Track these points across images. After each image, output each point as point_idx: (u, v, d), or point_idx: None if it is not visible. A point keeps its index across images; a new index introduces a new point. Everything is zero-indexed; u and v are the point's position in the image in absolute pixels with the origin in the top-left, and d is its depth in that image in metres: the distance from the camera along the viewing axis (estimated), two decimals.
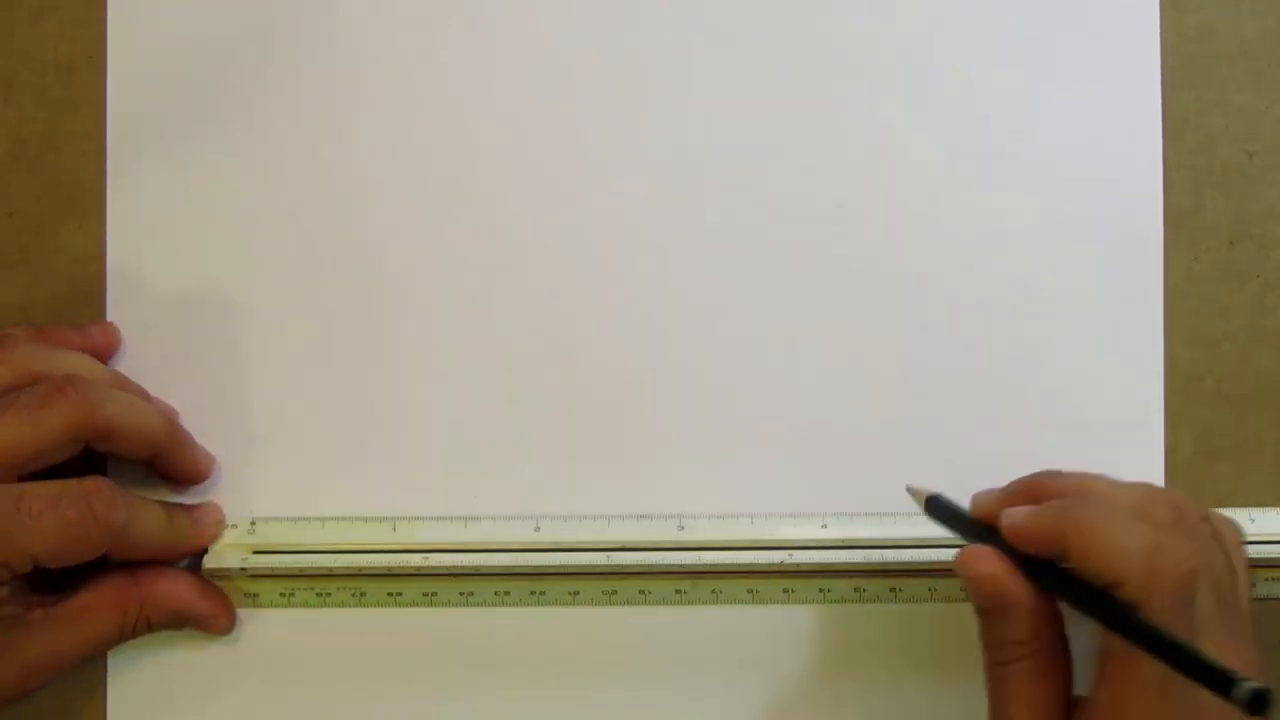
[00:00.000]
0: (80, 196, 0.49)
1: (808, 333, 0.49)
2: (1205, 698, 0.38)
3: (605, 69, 0.50)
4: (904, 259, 0.50)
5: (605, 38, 0.50)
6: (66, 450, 0.43)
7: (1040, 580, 0.42)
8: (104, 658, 0.48)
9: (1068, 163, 0.50)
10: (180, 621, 0.47)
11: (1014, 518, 0.42)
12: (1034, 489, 0.44)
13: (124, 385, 0.47)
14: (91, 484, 0.43)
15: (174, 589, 0.47)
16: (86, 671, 0.48)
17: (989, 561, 0.42)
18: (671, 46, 0.50)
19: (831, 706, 0.49)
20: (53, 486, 0.43)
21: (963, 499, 0.48)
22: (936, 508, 0.45)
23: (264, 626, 0.49)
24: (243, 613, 0.49)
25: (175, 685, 0.49)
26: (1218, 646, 0.40)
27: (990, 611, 0.42)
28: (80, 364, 0.45)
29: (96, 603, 0.45)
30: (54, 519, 0.42)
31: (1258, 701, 0.34)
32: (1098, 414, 0.49)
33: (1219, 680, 0.35)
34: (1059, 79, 0.50)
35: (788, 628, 0.49)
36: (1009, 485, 0.45)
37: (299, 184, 0.49)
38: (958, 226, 0.50)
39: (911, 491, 0.47)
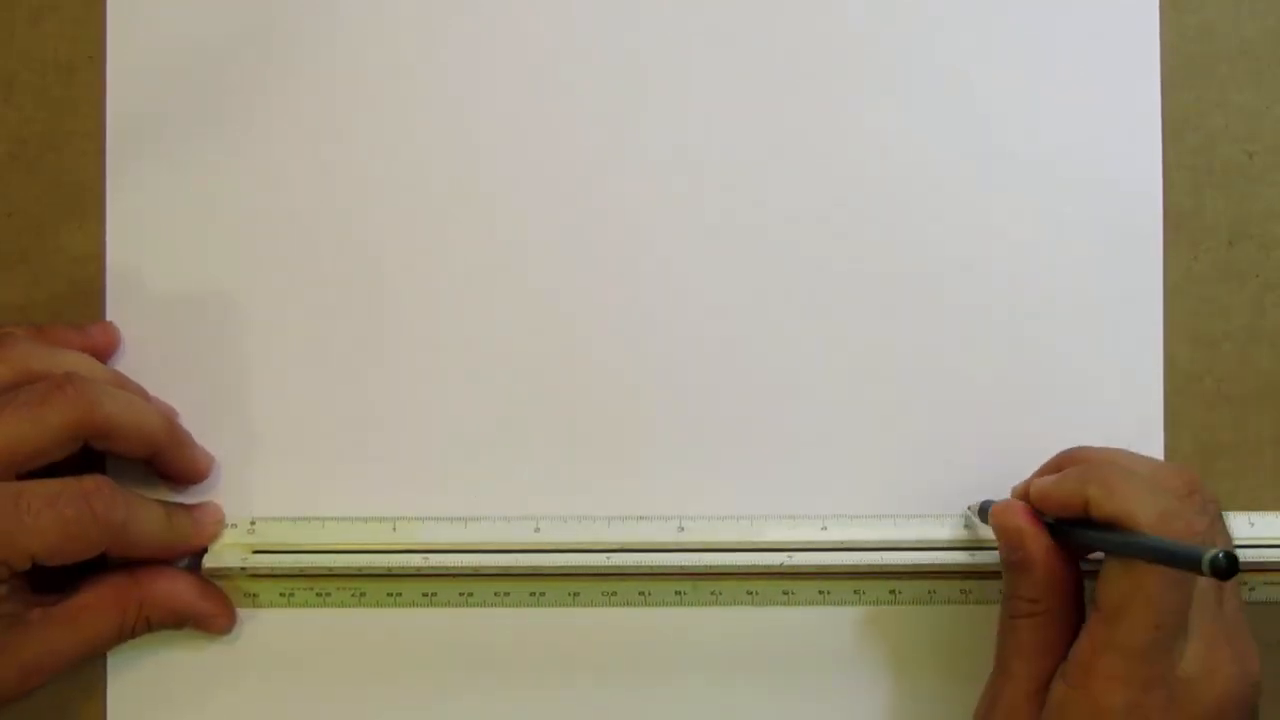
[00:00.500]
0: (80, 196, 0.49)
1: (807, 333, 0.49)
2: (1181, 668, 0.41)
3: (605, 69, 0.50)
4: (904, 259, 0.50)
5: (605, 38, 0.50)
6: (65, 448, 0.43)
7: (1059, 533, 0.44)
8: (103, 657, 0.48)
9: (1068, 163, 0.50)
10: (180, 621, 0.47)
11: (1041, 484, 0.44)
12: (1062, 462, 0.46)
13: (123, 384, 0.47)
14: (90, 482, 0.43)
15: (174, 588, 0.47)
16: (86, 671, 0.48)
17: (1017, 516, 0.44)
18: (671, 46, 0.50)
19: (830, 708, 0.49)
20: (52, 485, 0.43)
21: (962, 499, 0.48)
22: (986, 510, 0.46)
23: (264, 626, 0.49)
24: (242, 612, 0.49)
25: (175, 685, 0.49)
26: (1217, 619, 0.42)
27: (1012, 565, 0.44)
28: (79, 363, 0.45)
29: (96, 602, 0.45)
30: (53, 517, 0.42)
31: (1230, 565, 0.37)
32: (1098, 414, 0.49)
33: (1192, 560, 0.38)
34: (1059, 79, 0.50)
35: (787, 629, 0.49)
36: (1040, 467, 0.47)
37: (299, 184, 0.49)
38: (958, 226, 0.50)
39: (970, 510, 0.48)
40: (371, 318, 0.49)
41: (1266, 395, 0.50)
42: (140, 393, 0.48)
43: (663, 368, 0.49)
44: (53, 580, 0.45)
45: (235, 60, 0.49)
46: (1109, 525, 0.42)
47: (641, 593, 0.48)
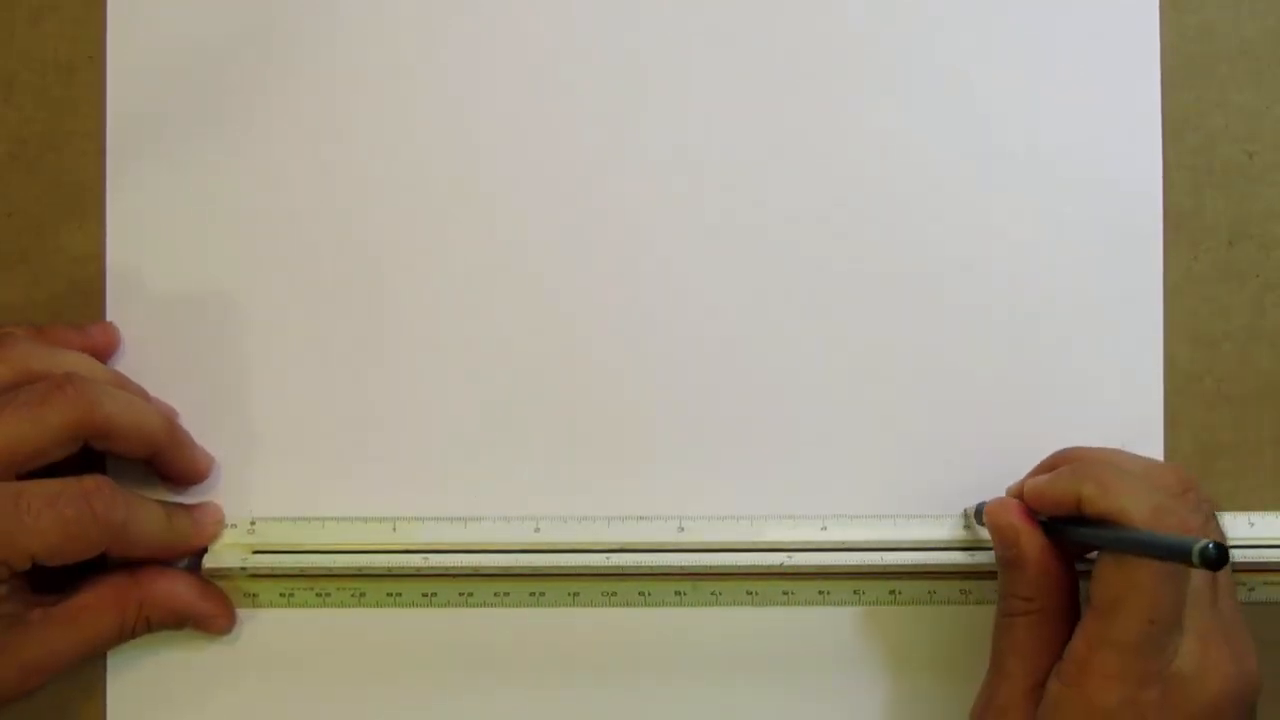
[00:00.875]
0: (80, 196, 0.49)
1: (808, 333, 0.49)
2: (1175, 664, 0.41)
3: (605, 69, 0.50)
4: (904, 259, 0.50)
5: (605, 38, 0.50)
6: (65, 448, 0.43)
7: (1053, 531, 0.44)
8: (103, 657, 0.48)
9: (1068, 163, 0.50)
10: (180, 621, 0.47)
11: (1035, 482, 0.45)
12: (1056, 461, 0.46)
13: (124, 385, 0.47)
14: (91, 482, 0.43)
15: (174, 589, 0.47)
16: (86, 671, 0.48)
17: (1010, 513, 0.44)
18: (671, 46, 0.50)
19: (830, 708, 0.49)
20: (52, 485, 0.43)
21: (962, 499, 0.48)
22: (981, 512, 0.46)
23: (263, 626, 0.49)
24: (242, 613, 0.49)
25: (174, 685, 0.49)
26: (1212, 616, 0.42)
27: (1007, 562, 0.44)
28: (79, 363, 0.45)
29: (96, 602, 0.45)
30: (53, 517, 0.42)
31: (1220, 555, 0.37)
32: (1098, 414, 0.49)
33: (1182, 551, 0.38)
34: (1059, 79, 0.50)
35: (787, 629, 0.49)
36: (1035, 466, 0.47)
37: (299, 184, 0.49)
38: (958, 226, 0.50)
39: (966, 512, 0.48)
40: (371, 318, 0.49)
41: (1266, 395, 0.50)
42: (140, 393, 0.48)
43: (663, 368, 0.49)
44: (53, 581, 0.45)
45: (235, 60, 0.49)
46: (1103, 522, 0.42)
47: (641, 593, 0.48)
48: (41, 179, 0.49)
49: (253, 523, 0.48)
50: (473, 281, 0.49)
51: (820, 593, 0.48)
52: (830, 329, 0.49)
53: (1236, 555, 0.46)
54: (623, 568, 0.47)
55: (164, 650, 0.49)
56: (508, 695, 0.49)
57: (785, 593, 0.48)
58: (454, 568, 0.47)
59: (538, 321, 0.49)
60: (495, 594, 0.48)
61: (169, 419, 0.47)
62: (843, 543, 0.47)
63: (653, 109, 0.50)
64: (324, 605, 0.49)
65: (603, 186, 0.50)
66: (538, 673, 0.49)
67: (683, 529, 0.48)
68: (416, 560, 0.47)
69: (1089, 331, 0.50)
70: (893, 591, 0.48)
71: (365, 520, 0.48)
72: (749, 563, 0.47)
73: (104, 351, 0.48)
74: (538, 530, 0.47)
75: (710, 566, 0.47)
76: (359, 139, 0.50)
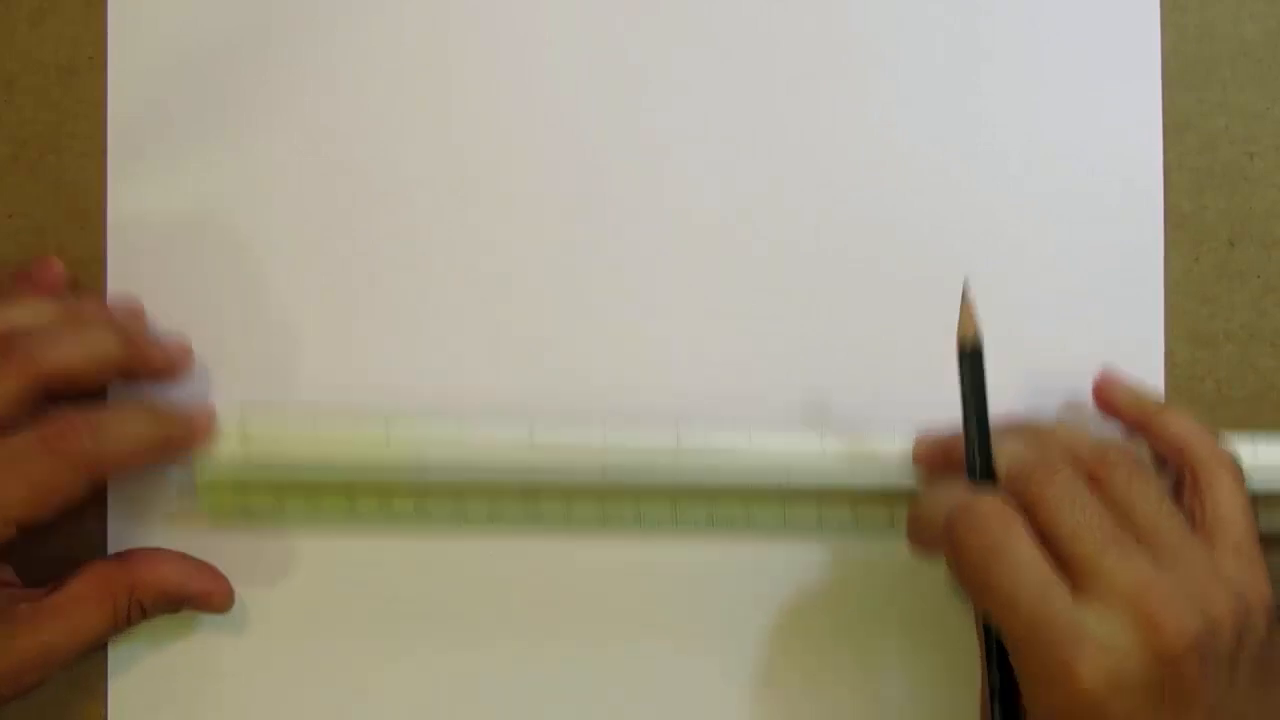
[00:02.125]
0: (80, 198, 0.49)
1: (806, 334, 0.49)
2: None
3: (605, 68, 0.50)
4: (903, 259, 0.50)
5: (605, 37, 0.50)
6: (25, 408, 0.42)
7: None
8: (104, 656, 0.48)
9: (1068, 163, 0.50)
10: (175, 604, 0.47)
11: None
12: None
13: (75, 313, 0.45)
14: (50, 426, 0.42)
15: (163, 570, 0.46)
16: (87, 670, 0.48)
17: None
18: (670, 46, 0.50)
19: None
20: (10, 445, 0.41)
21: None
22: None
23: (266, 626, 0.49)
24: (244, 598, 0.48)
25: (176, 685, 0.49)
26: None
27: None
28: (23, 313, 0.44)
29: (85, 591, 0.45)
30: (18, 478, 0.41)
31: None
32: (1098, 414, 0.49)
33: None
34: (1059, 79, 0.50)
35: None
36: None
37: (300, 185, 0.50)
38: (958, 226, 0.50)
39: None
40: (372, 318, 0.49)
41: (1266, 395, 0.50)
42: (96, 306, 0.47)
43: (663, 367, 0.49)
44: (48, 578, 0.45)
45: (236, 62, 0.50)
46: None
47: (637, 516, 0.48)
48: (42, 181, 0.49)
49: (245, 432, 0.46)
50: (473, 282, 0.49)
51: (819, 518, 0.48)
52: (830, 329, 0.49)
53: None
54: (618, 484, 0.47)
55: (166, 650, 0.49)
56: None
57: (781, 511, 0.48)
58: (448, 464, 0.46)
59: (538, 326, 0.49)
60: (490, 516, 0.48)
61: (123, 330, 0.45)
62: (845, 454, 0.47)
63: (651, 108, 0.50)
64: (316, 517, 0.48)
65: (601, 187, 0.50)
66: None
67: (680, 441, 0.47)
68: (410, 457, 0.46)
69: (1089, 331, 0.49)
70: (892, 520, 0.48)
71: (358, 423, 0.47)
72: (747, 479, 0.47)
73: (53, 288, 0.47)
74: (532, 435, 0.47)
75: (708, 479, 0.47)
76: (359, 139, 0.50)
